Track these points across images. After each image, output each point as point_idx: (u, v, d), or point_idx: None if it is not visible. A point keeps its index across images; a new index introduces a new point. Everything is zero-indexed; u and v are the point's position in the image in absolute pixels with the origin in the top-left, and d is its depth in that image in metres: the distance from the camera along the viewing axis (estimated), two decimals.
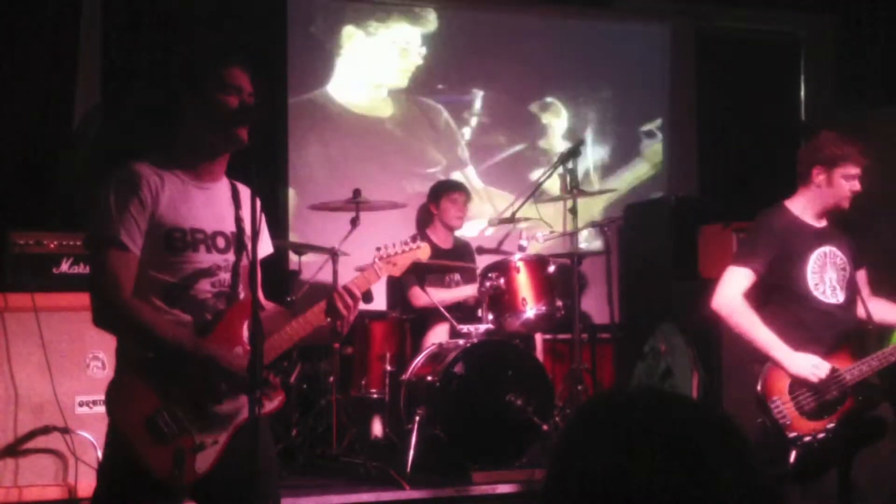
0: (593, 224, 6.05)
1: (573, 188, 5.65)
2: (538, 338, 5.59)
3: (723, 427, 1.13)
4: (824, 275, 3.73)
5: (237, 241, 2.72)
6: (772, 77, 7.20)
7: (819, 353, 3.61)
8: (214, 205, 2.72)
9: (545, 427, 4.81)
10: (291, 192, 6.19)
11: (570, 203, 5.68)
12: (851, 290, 3.78)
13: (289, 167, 6.19)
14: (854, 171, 3.74)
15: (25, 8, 5.43)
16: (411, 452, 4.65)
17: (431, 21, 6.58)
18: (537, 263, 5.26)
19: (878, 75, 6.87)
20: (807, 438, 3.55)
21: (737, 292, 3.68)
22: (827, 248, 3.76)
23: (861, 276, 3.87)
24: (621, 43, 6.96)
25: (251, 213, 2.60)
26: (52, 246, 4.52)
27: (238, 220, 2.74)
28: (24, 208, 5.19)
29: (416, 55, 6.53)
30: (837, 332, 3.69)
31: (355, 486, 4.62)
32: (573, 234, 5.74)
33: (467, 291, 5.50)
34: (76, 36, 5.58)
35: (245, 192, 2.79)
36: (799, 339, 3.63)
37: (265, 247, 2.83)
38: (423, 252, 3.02)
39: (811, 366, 3.58)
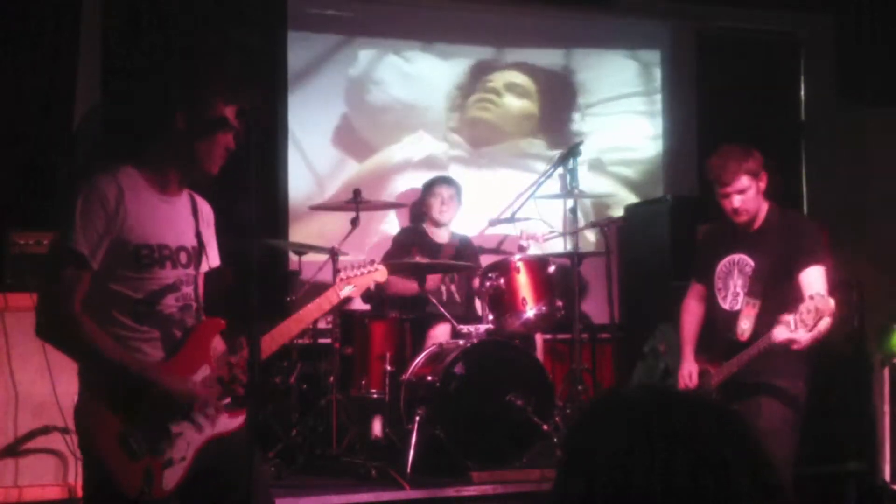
0: (593, 224, 6.04)
1: (573, 188, 5.65)
2: (538, 338, 5.59)
3: (730, 424, 1.13)
4: (728, 281, 3.91)
5: (198, 256, 2.78)
6: (772, 77, 7.20)
7: (709, 354, 3.98)
8: (177, 219, 2.76)
9: (545, 427, 4.81)
10: (291, 192, 6.18)
11: (569, 203, 5.69)
12: (753, 298, 3.79)
13: (289, 167, 6.18)
14: (721, 190, 3.81)
15: (25, 8, 5.43)
16: (411, 452, 4.64)
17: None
18: (537, 263, 5.27)
19: (878, 75, 6.87)
20: None
21: (688, 298, 4.15)
22: (737, 256, 3.89)
23: (808, 276, 3.73)
24: (621, 42, 6.96)
25: (249, 202, 2.65)
26: None
27: (198, 235, 2.79)
28: (24, 208, 5.18)
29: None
30: (728, 336, 3.84)
31: (355, 486, 4.62)
32: (573, 234, 5.74)
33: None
34: (76, 36, 5.58)
35: (203, 206, 2.87)
36: (709, 340, 4.02)
37: (213, 259, 2.90)
38: (380, 274, 3.22)
39: (686, 372, 4.00)
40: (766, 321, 3.68)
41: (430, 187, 5.86)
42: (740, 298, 3.83)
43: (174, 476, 2.63)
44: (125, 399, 2.59)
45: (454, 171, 6.30)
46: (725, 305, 3.90)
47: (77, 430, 2.65)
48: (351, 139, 6.32)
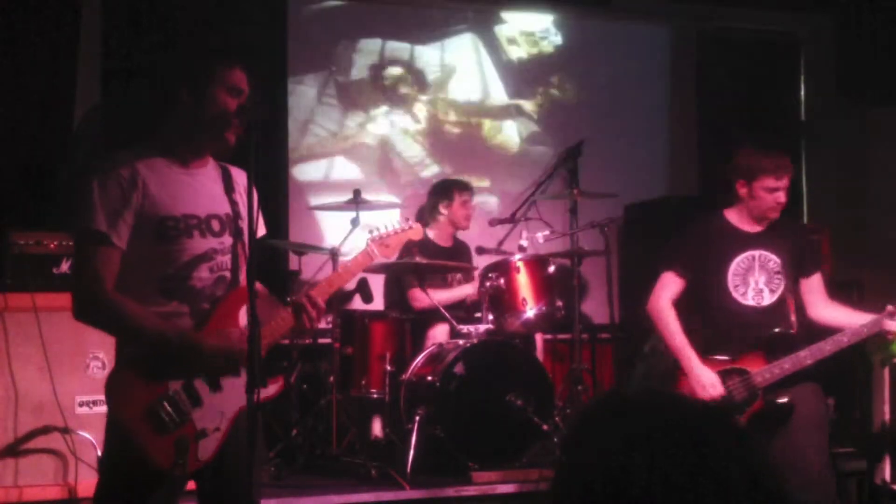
0: (593, 224, 6.05)
1: (573, 188, 5.65)
2: (538, 338, 5.58)
3: (726, 425, 1.14)
4: (749, 277, 3.89)
5: (233, 223, 2.72)
6: (772, 77, 7.20)
7: (730, 353, 3.83)
8: (204, 188, 2.71)
9: (545, 427, 4.81)
10: (291, 192, 6.18)
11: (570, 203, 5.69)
12: (786, 293, 3.89)
13: (289, 166, 6.18)
14: (772, 184, 3.85)
15: (25, 8, 5.43)
16: (411, 452, 4.64)
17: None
18: (537, 263, 5.27)
19: (878, 75, 6.87)
20: None
21: (664, 299, 3.98)
22: (757, 252, 3.91)
23: (811, 281, 3.95)
24: (621, 43, 6.96)
25: (248, 197, 2.60)
26: (52, 246, 4.52)
27: (233, 203, 2.73)
28: (24, 208, 5.19)
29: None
30: (754, 333, 3.83)
31: (355, 486, 4.62)
32: (573, 234, 5.74)
33: (466, 290, 5.49)
34: (76, 36, 5.58)
35: (239, 175, 2.78)
36: (713, 339, 3.89)
37: (259, 228, 2.82)
38: (415, 232, 3.14)
39: (708, 384, 3.80)
40: (799, 315, 3.84)
41: (459, 192, 5.69)
42: (765, 294, 3.88)
43: (209, 446, 2.60)
44: (163, 368, 2.56)
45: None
46: (749, 301, 3.89)
47: (108, 403, 2.61)
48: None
